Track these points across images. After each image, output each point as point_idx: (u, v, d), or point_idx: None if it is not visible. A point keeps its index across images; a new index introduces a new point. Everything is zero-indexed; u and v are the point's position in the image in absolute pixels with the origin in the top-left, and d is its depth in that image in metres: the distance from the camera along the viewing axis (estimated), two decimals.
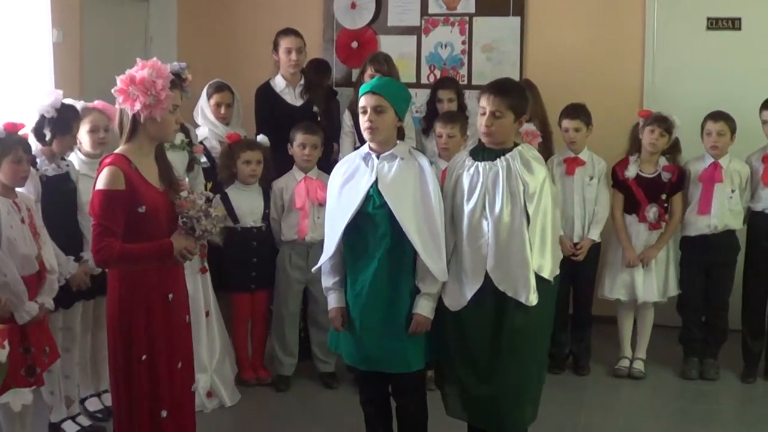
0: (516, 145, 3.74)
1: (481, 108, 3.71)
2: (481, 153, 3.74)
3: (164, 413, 3.51)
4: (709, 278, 5.46)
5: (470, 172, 3.70)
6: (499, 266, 3.62)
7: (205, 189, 3.81)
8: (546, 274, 3.64)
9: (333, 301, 3.89)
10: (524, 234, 3.59)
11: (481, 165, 3.68)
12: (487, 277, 3.64)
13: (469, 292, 3.66)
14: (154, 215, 3.44)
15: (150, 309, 3.47)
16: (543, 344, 3.81)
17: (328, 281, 3.91)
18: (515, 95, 3.72)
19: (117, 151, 3.46)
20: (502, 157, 3.66)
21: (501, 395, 3.66)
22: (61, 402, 4.52)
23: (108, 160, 3.41)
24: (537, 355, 3.74)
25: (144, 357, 3.45)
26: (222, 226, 3.63)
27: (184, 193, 3.55)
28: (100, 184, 3.36)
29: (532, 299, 3.58)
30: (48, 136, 4.28)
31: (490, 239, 3.62)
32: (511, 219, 3.60)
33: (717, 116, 5.37)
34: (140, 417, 3.49)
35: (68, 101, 4.41)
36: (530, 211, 3.60)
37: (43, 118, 4.27)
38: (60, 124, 4.29)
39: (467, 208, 3.67)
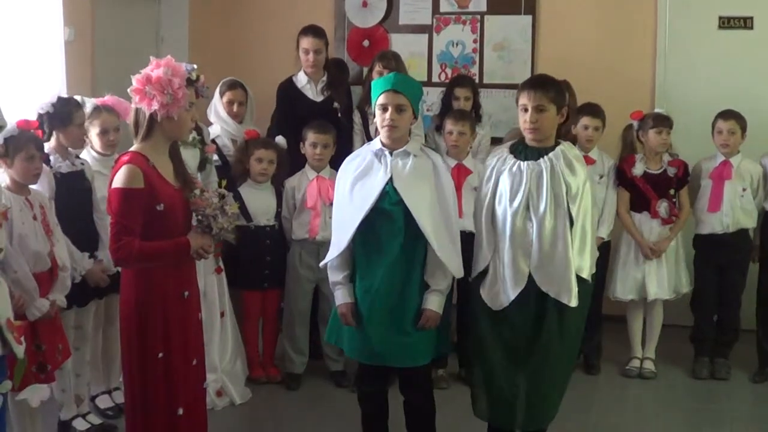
0: (557, 143, 3.73)
1: (521, 106, 3.68)
2: (523, 151, 3.71)
3: (180, 411, 3.50)
4: (721, 277, 5.45)
5: (513, 171, 3.68)
6: (543, 268, 3.62)
7: (220, 186, 3.80)
8: (585, 274, 3.66)
9: (342, 296, 3.89)
10: (567, 236, 3.60)
11: (524, 164, 3.66)
12: (530, 277, 3.64)
13: (513, 293, 3.66)
14: (171, 213, 3.44)
15: (167, 307, 3.47)
16: (575, 344, 3.82)
17: (336, 276, 3.92)
18: (554, 88, 3.71)
19: (133, 149, 3.45)
20: (546, 157, 3.64)
21: (532, 394, 3.67)
22: (72, 400, 4.53)
23: (125, 158, 3.40)
24: (569, 355, 3.75)
25: (160, 355, 3.45)
26: (237, 223, 3.63)
27: (197, 191, 3.55)
28: (118, 182, 3.35)
29: (574, 302, 3.59)
30: (46, 132, 4.26)
31: (534, 241, 3.62)
32: (555, 221, 3.60)
33: (728, 115, 5.37)
34: (155, 415, 3.48)
35: (79, 98, 4.43)
36: (573, 213, 3.60)
37: (40, 115, 4.27)
38: (56, 117, 4.27)
39: (511, 209, 3.65)
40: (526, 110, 3.66)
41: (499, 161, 3.75)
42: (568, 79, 6.07)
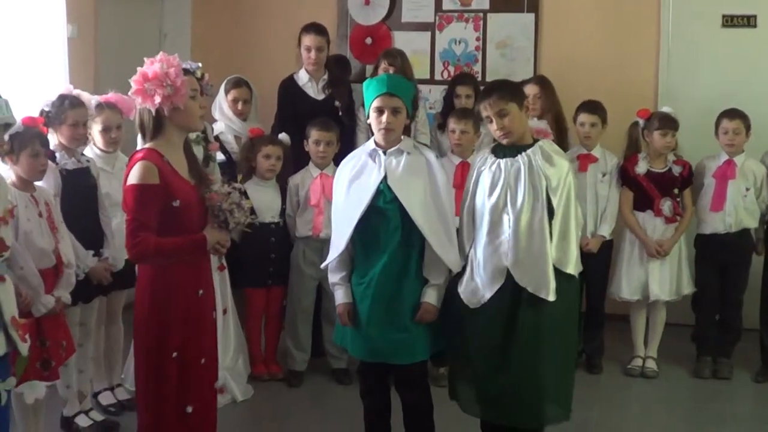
0: (536, 140, 3.76)
1: (485, 118, 3.74)
2: (503, 150, 3.75)
3: (189, 409, 3.49)
4: (723, 277, 5.44)
5: (492, 170, 3.71)
6: (521, 262, 3.62)
7: (236, 181, 3.80)
8: (570, 269, 3.65)
9: (340, 296, 3.93)
10: (545, 230, 3.60)
11: (502, 162, 3.69)
12: (507, 274, 3.64)
13: (489, 291, 3.66)
14: (187, 209, 3.42)
15: (182, 305, 3.44)
16: (565, 341, 3.75)
17: (335, 276, 3.96)
18: (506, 87, 3.76)
19: (147, 145, 3.44)
20: (524, 153, 3.67)
21: (516, 390, 3.63)
22: (75, 396, 4.53)
23: (139, 155, 3.39)
24: (558, 352, 3.69)
25: (174, 354, 3.42)
26: (252, 218, 3.63)
27: (215, 186, 3.54)
28: (133, 179, 3.33)
29: (552, 296, 3.58)
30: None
31: (511, 235, 3.63)
32: (532, 214, 3.61)
33: (733, 114, 5.36)
34: (167, 413, 3.46)
35: (78, 92, 4.42)
36: (554, 204, 3.61)
37: (41, 113, 4.28)
38: (50, 116, 4.27)
39: (489, 203, 3.68)
40: (490, 120, 3.71)
41: (481, 161, 3.80)
42: (570, 77, 6.12)
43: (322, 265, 4.09)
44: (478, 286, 3.71)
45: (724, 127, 5.37)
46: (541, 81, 5.70)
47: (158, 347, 3.43)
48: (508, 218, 3.64)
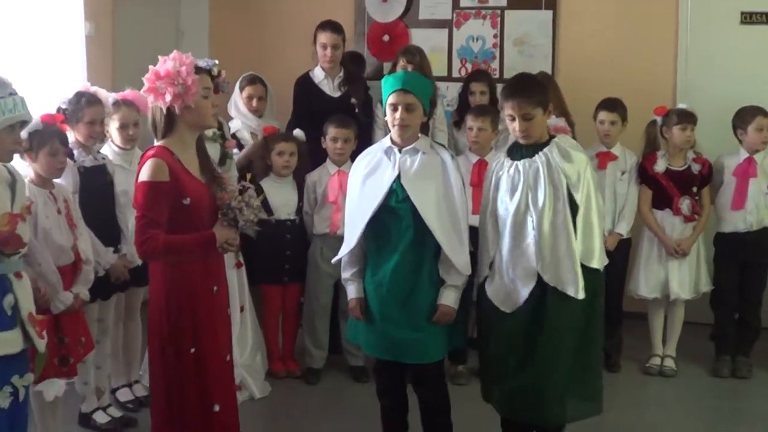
0: (552, 137, 3.73)
1: (508, 116, 3.69)
2: (519, 151, 3.72)
3: (216, 407, 3.47)
4: (743, 275, 5.41)
5: (510, 173, 3.69)
6: (548, 263, 3.60)
7: (245, 179, 3.80)
8: (595, 263, 3.63)
9: (352, 291, 3.93)
10: (569, 228, 3.58)
11: (520, 164, 3.67)
12: (537, 274, 3.62)
13: (525, 292, 3.64)
14: (198, 208, 3.42)
15: (196, 302, 3.43)
16: (590, 336, 3.69)
17: (346, 273, 3.96)
18: (536, 91, 3.70)
19: (158, 143, 3.44)
20: (541, 153, 3.64)
21: (540, 387, 3.61)
22: (92, 392, 4.55)
23: (150, 152, 3.39)
24: (582, 347, 3.65)
25: (192, 350, 3.41)
26: (261, 216, 3.63)
27: (230, 188, 3.54)
28: (144, 176, 3.34)
29: (581, 294, 3.56)
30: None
31: (536, 237, 3.60)
32: (555, 213, 3.59)
33: (766, 111, 5.30)
34: (190, 412, 3.44)
35: (95, 90, 4.42)
36: (578, 200, 3.59)
37: (58, 110, 4.30)
38: (67, 114, 4.28)
39: (512, 207, 3.66)
40: (513, 119, 3.66)
41: (498, 165, 3.78)
42: (588, 75, 6.09)
43: (334, 260, 4.09)
44: (511, 289, 3.67)
45: (760, 124, 5.29)
46: (546, 78, 5.66)
47: (173, 345, 3.42)
48: (532, 220, 3.62)
